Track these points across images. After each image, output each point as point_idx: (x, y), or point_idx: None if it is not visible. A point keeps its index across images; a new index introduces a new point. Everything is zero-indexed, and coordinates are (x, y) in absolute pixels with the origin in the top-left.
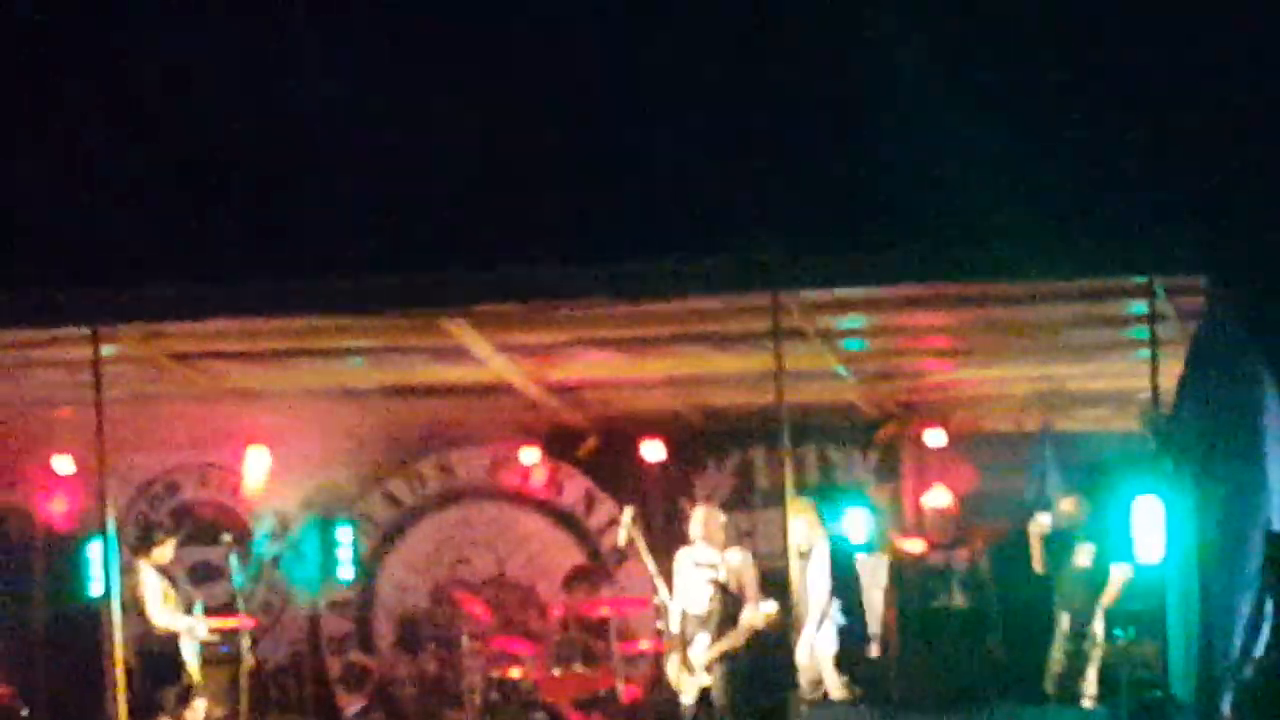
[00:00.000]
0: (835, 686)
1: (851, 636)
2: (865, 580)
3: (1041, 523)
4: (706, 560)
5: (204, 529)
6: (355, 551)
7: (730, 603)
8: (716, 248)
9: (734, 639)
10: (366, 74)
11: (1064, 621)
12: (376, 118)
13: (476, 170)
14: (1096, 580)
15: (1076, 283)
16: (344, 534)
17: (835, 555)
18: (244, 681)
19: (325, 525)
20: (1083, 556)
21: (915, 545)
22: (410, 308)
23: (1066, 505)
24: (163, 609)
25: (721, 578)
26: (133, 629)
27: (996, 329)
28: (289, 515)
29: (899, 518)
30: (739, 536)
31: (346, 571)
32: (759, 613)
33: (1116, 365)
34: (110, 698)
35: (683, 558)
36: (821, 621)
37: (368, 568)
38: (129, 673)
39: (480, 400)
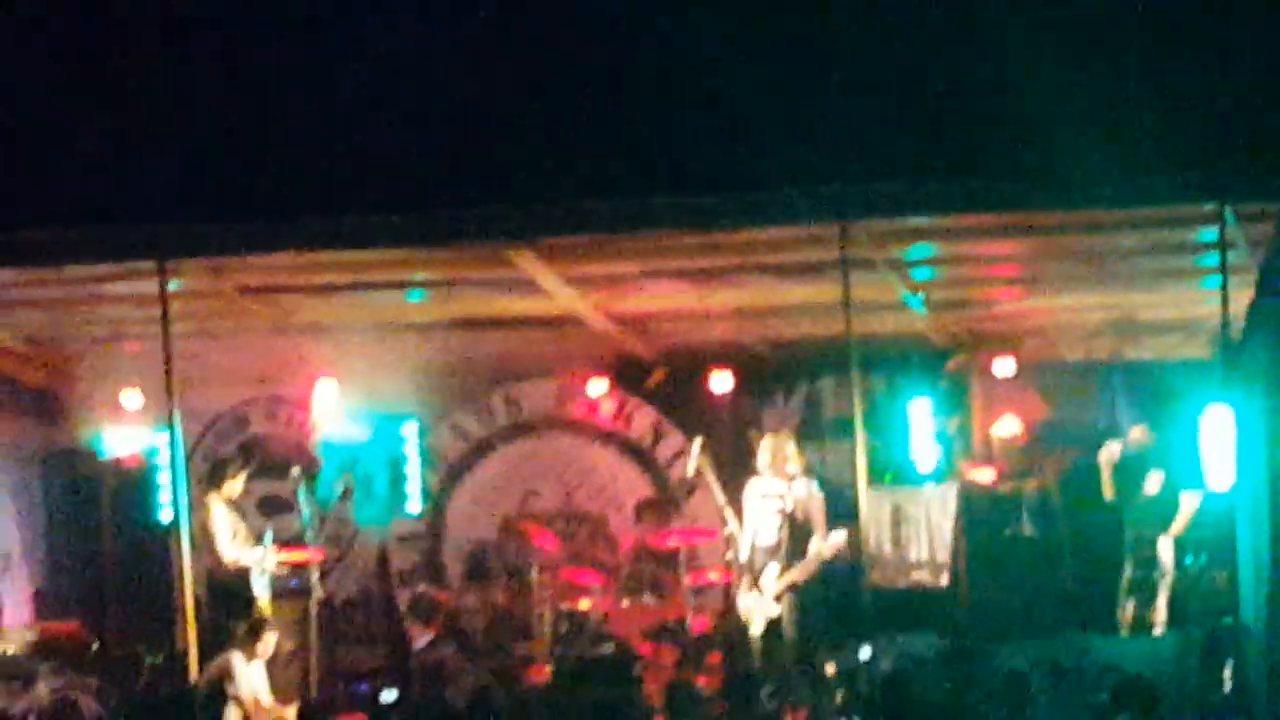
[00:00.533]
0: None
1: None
2: (934, 510)
3: (1112, 450)
4: (774, 491)
5: (272, 463)
6: (424, 463)
7: (798, 533)
8: (785, 178)
9: (803, 569)
10: (429, 8)
11: (1134, 550)
12: (442, 51)
13: (543, 103)
14: (1166, 508)
15: (1147, 211)
16: (410, 431)
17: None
18: (314, 614)
19: (391, 427)
20: (1152, 484)
21: (985, 475)
22: (478, 240)
23: (1136, 433)
24: (232, 543)
25: (789, 508)
26: (202, 563)
27: (1066, 257)
28: (357, 450)
29: (968, 447)
30: (807, 467)
31: (414, 504)
32: (827, 543)
33: (1187, 293)
34: (180, 631)
35: (751, 489)
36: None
37: (436, 501)
38: (198, 606)
39: (547, 332)
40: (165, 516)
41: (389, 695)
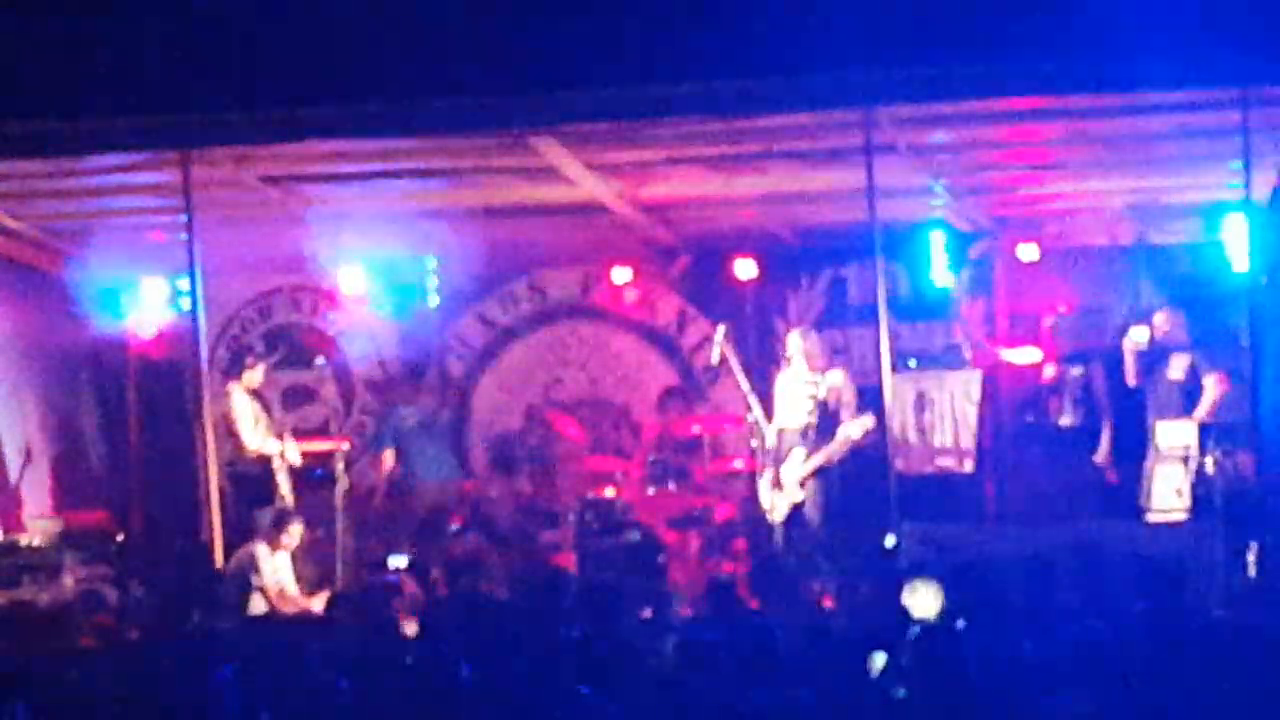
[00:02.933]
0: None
1: None
2: (958, 395)
3: (1137, 338)
4: (805, 379)
5: (296, 352)
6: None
7: (826, 420)
8: (808, 63)
9: (829, 452)
10: None
11: (1158, 435)
12: None
13: None
14: (1191, 393)
15: (1170, 94)
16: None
17: None
18: (339, 504)
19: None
20: (1177, 369)
21: (1029, 355)
22: (500, 127)
23: (1160, 319)
24: (254, 432)
25: (821, 395)
26: (225, 453)
27: (1090, 142)
28: (381, 336)
29: (991, 332)
30: (832, 354)
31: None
32: (855, 424)
33: (1210, 177)
34: (205, 522)
35: (783, 380)
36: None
37: (461, 389)
38: (223, 497)
39: (571, 220)
40: (189, 407)
41: (398, 560)
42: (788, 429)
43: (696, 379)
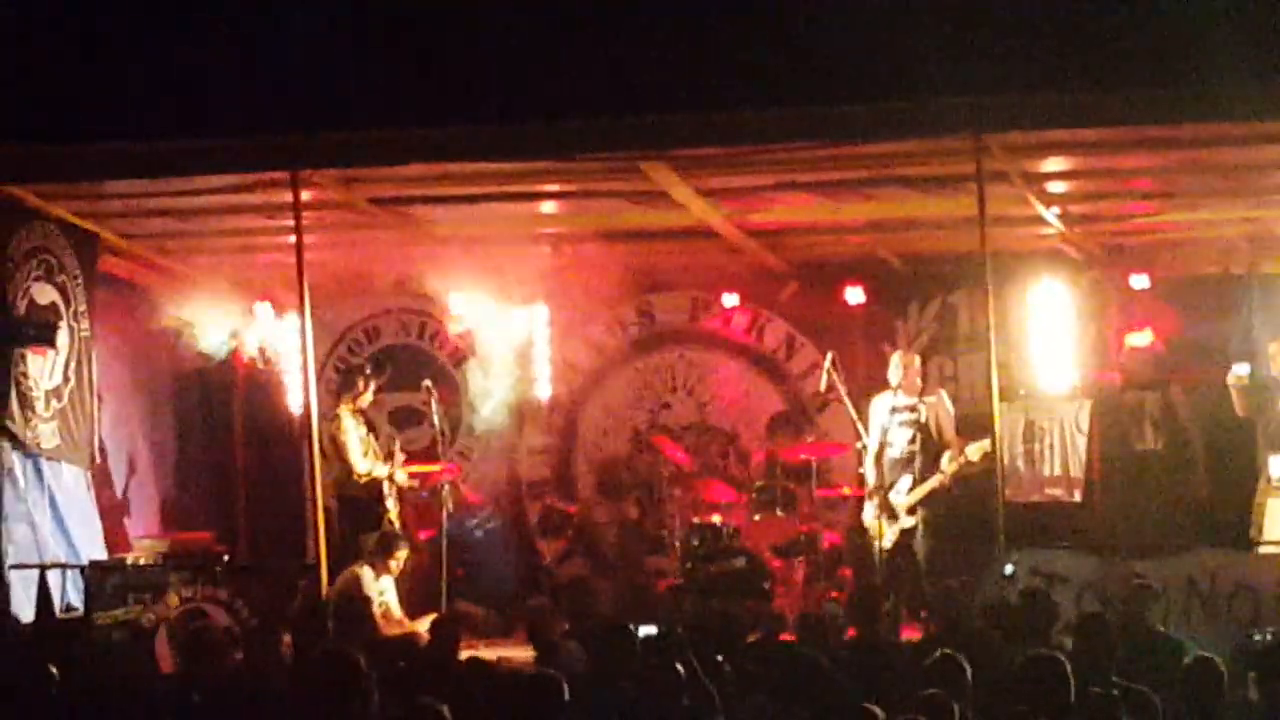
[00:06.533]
0: None
1: None
2: (1067, 424)
3: (1239, 374)
4: (905, 404)
5: (404, 374)
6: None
7: (930, 446)
8: (919, 90)
9: (944, 476)
10: None
11: (1270, 466)
12: None
13: (677, 13)
14: None
15: None
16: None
17: None
18: (444, 527)
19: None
20: None
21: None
22: (610, 152)
23: (1274, 349)
24: (362, 455)
25: (923, 419)
26: (333, 474)
27: (1203, 171)
28: (489, 359)
29: (1103, 362)
30: (941, 381)
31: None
32: (975, 447)
33: None
34: (311, 543)
35: (879, 403)
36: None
37: (568, 413)
38: (329, 518)
39: (680, 244)
40: (296, 429)
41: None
42: (892, 456)
43: (804, 405)
